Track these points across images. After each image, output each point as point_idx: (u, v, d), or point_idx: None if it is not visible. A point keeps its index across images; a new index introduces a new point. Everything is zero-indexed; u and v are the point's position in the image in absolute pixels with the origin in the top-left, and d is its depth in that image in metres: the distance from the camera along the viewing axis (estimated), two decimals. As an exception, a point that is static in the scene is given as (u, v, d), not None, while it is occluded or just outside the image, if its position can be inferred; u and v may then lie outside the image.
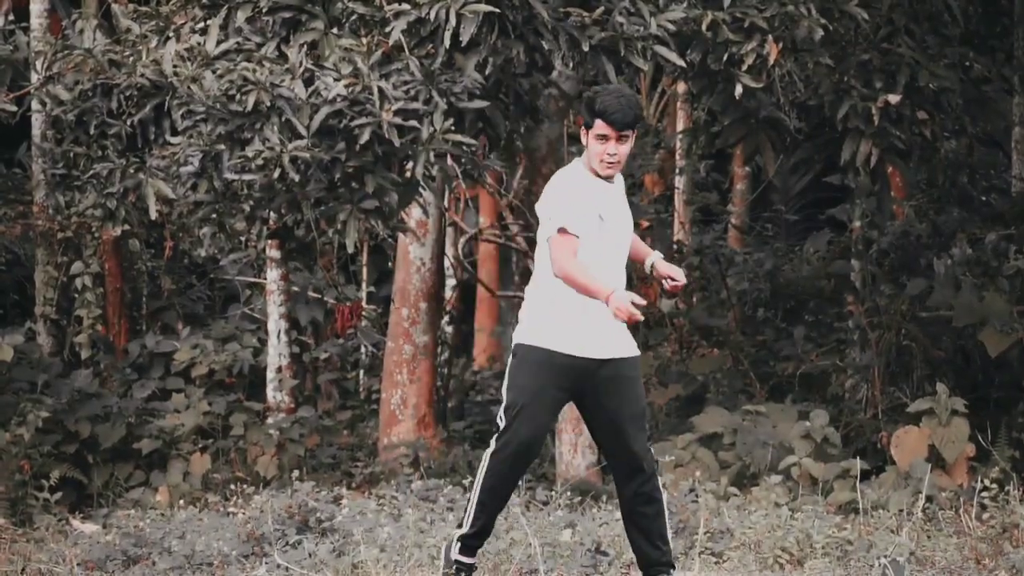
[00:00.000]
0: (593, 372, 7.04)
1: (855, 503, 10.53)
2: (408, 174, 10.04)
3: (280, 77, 9.81)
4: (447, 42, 9.72)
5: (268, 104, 9.74)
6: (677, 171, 20.11)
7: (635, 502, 7.13)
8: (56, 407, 14.41)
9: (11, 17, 14.36)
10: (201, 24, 10.52)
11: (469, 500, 7.18)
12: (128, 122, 10.48)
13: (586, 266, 6.92)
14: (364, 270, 19.55)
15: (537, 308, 7.09)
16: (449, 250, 16.96)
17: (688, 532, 9.26)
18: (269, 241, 14.50)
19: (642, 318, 6.85)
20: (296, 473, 11.45)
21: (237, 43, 10.23)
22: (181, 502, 12.37)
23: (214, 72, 9.97)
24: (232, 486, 12.03)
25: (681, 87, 18.57)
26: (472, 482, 7.21)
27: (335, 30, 10.14)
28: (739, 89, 10.53)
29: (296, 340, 15.86)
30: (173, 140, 10.19)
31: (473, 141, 10.04)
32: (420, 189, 10.25)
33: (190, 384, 15.55)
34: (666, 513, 7.22)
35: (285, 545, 9.27)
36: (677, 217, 19.75)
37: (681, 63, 10.27)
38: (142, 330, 16.78)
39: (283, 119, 9.74)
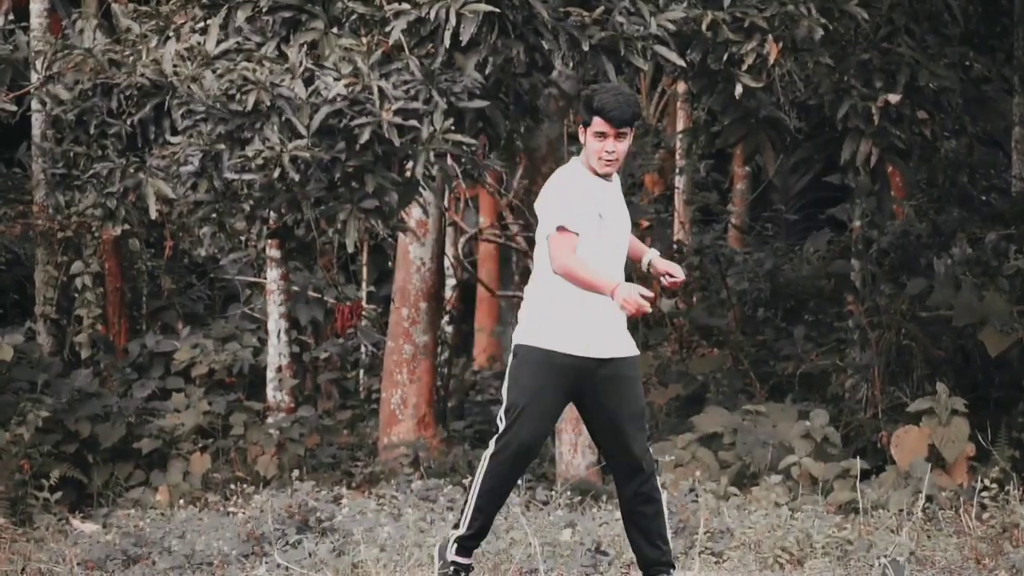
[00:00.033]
0: (593, 372, 7.03)
1: (855, 503, 10.53)
2: (408, 174, 10.04)
3: (280, 77, 9.81)
4: (447, 42, 9.72)
5: (268, 104, 9.74)
6: (677, 171, 20.12)
7: (634, 502, 7.13)
8: (56, 407, 14.41)
9: (11, 17, 14.37)
10: (201, 24, 10.52)
11: (466, 501, 7.15)
12: (128, 122, 10.48)
13: (587, 261, 6.91)
14: (364, 270, 19.56)
15: (536, 308, 7.08)
16: (449, 250, 16.96)
17: (688, 532, 9.26)
18: (269, 241, 14.50)
19: (650, 310, 6.82)
20: (296, 473, 11.45)
21: (237, 43, 10.23)
22: (181, 502, 12.37)
23: (214, 72, 9.98)
24: (232, 486, 12.04)
25: (681, 87, 18.58)
26: (471, 482, 7.20)
27: (335, 30, 10.14)
28: (739, 89, 10.53)
29: (296, 340, 15.87)
30: (173, 140, 10.19)
31: (473, 141, 10.04)
32: (420, 189, 10.25)
33: (190, 384, 15.56)
34: (666, 513, 7.21)
35: (285, 545, 9.27)
36: (677, 217, 19.76)
37: (681, 63, 10.27)
38: (142, 330, 16.79)
39: (283, 119, 9.74)
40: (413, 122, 9.75)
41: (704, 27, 10.30)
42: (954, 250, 15.08)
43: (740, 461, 12.52)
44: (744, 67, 10.45)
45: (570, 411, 7.29)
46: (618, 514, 7.73)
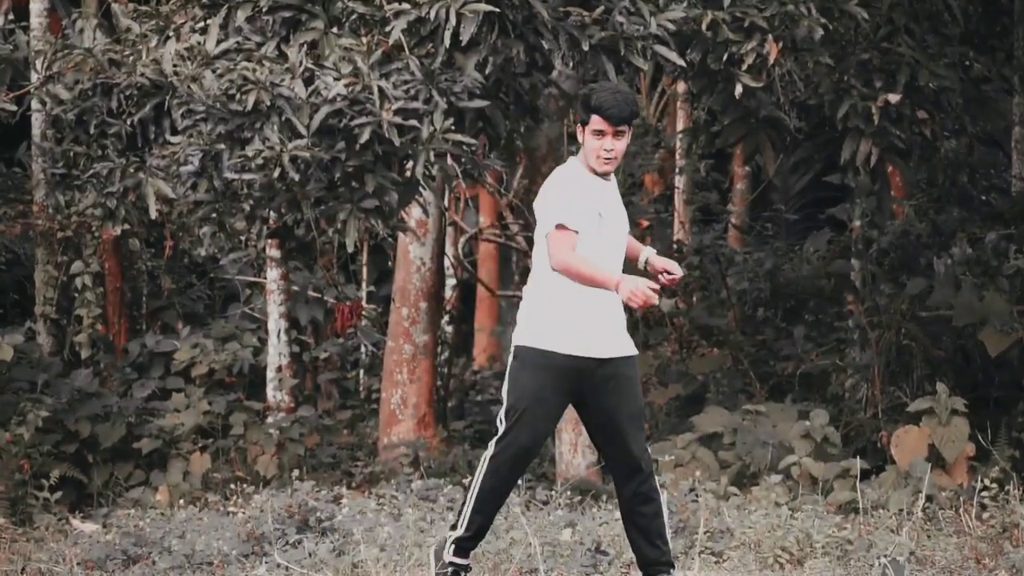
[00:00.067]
0: (593, 372, 7.02)
1: (855, 503, 10.53)
2: (408, 173, 10.04)
3: (280, 76, 9.81)
4: (447, 41, 9.72)
5: (268, 103, 9.73)
6: (677, 171, 20.12)
7: (633, 502, 7.12)
8: (56, 407, 14.41)
9: (11, 17, 14.37)
10: (201, 23, 10.52)
11: (465, 502, 7.13)
12: (128, 121, 10.48)
13: (587, 257, 6.90)
14: (364, 270, 19.56)
15: (536, 308, 7.07)
16: (449, 250, 16.97)
17: (688, 532, 9.26)
18: (269, 240, 14.51)
19: (658, 301, 6.80)
20: (296, 472, 11.45)
21: (237, 42, 10.23)
22: (181, 502, 12.38)
23: (214, 71, 9.98)
24: (232, 485, 12.04)
25: (681, 87, 18.58)
26: (470, 483, 7.18)
27: (335, 29, 10.14)
28: (739, 88, 10.53)
29: (296, 339, 15.87)
30: (173, 139, 10.19)
31: (473, 141, 10.04)
32: (420, 188, 10.24)
33: (190, 384, 15.56)
34: (665, 513, 7.20)
35: (285, 544, 9.27)
36: (677, 217, 19.76)
37: (681, 63, 10.27)
38: (142, 329, 16.79)
39: (283, 118, 9.74)
40: (413, 122, 9.75)
41: (704, 27, 10.30)
42: (954, 250, 15.08)
43: (740, 461, 12.52)
44: (744, 67, 10.45)
45: (570, 411, 7.28)
46: (618, 514, 7.73)
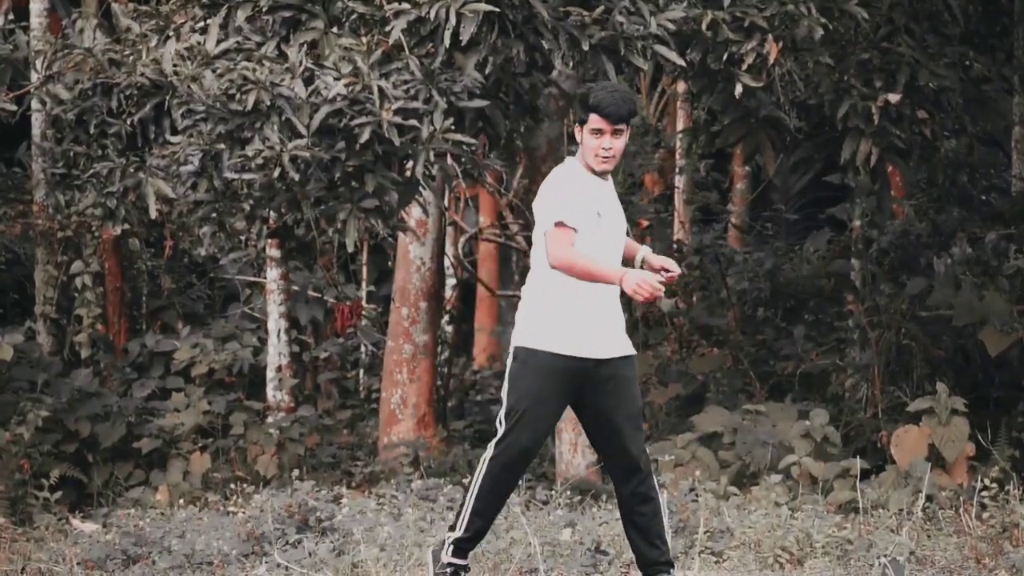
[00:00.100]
0: (592, 373, 7.01)
1: (855, 502, 10.53)
2: (408, 173, 10.04)
3: (280, 76, 9.81)
4: (447, 41, 9.72)
5: (268, 103, 9.74)
6: (677, 170, 20.12)
7: (632, 502, 7.12)
8: (56, 406, 14.41)
9: (11, 16, 14.36)
10: (201, 23, 10.52)
11: (463, 503, 7.11)
12: (128, 121, 10.48)
13: (586, 253, 6.89)
14: (364, 269, 19.56)
15: (534, 309, 7.05)
16: (449, 249, 16.97)
17: (688, 531, 9.26)
18: (269, 240, 14.51)
19: (664, 293, 6.78)
20: (296, 472, 11.46)
21: (237, 42, 10.23)
22: (181, 501, 12.37)
23: (214, 71, 9.98)
24: (232, 485, 12.04)
25: (681, 86, 18.57)
26: (468, 484, 7.15)
27: (335, 29, 10.14)
28: (739, 88, 10.53)
29: (296, 339, 15.87)
30: (173, 139, 10.19)
31: (473, 140, 10.04)
32: (420, 188, 10.24)
33: (190, 383, 15.56)
34: (664, 512, 7.20)
35: (285, 544, 9.27)
36: (677, 216, 19.76)
37: (681, 62, 10.27)
38: (142, 329, 16.79)
39: (283, 118, 9.74)
40: (413, 122, 9.75)
41: (704, 27, 10.30)
42: (954, 250, 15.09)
43: (740, 461, 12.52)
44: (744, 67, 10.45)
45: (570, 410, 7.27)
46: (618, 514, 7.72)
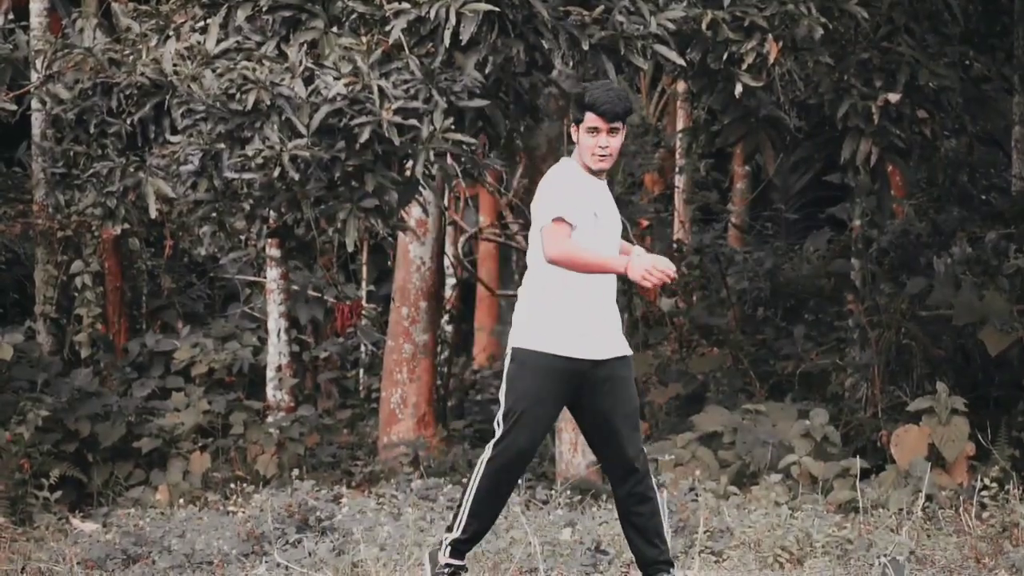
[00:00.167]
0: (589, 373, 7.00)
1: (855, 502, 10.53)
2: (408, 173, 10.04)
3: (280, 76, 9.81)
4: (447, 41, 9.72)
5: (268, 103, 9.74)
6: (677, 170, 20.12)
7: (630, 502, 7.11)
8: (56, 406, 14.41)
9: (11, 16, 14.37)
10: (201, 23, 10.52)
11: (461, 504, 7.08)
12: (128, 121, 10.48)
13: (584, 245, 6.87)
14: (364, 269, 19.56)
15: (531, 310, 7.02)
16: (449, 249, 16.97)
17: (688, 531, 9.27)
18: (269, 240, 14.51)
19: (675, 275, 6.76)
20: (296, 472, 11.46)
21: (237, 42, 10.23)
22: (181, 501, 12.38)
23: (214, 71, 9.98)
24: (232, 485, 12.04)
25: (681, 86, 18.57)
26: (467, 485, 7.13)
27: (335, 29, 10.14)
28: (739, 88, 10.53)
29: (296, 339, 15.87)
30: (173, 139, 10.19)
31: (473, 140, 10.04)
32: (420, 188, 10.24)
33: (190, 383, 15.56)
34: (662, 512, 7.19)
35: (285, 544, 9.27)
36: (677, 216, 19.76)
37: (681, 62, 10.27)
38: (142, 329, 16.78)
39: (283, 118, 9.74)
40: (413, 121, 9.75)
41: (704, 26, 10.30)
42: (954, 249, 15.09)
43: (740, 460, 12.52)
44: (744, 66, 10.45)
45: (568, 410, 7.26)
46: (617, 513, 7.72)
